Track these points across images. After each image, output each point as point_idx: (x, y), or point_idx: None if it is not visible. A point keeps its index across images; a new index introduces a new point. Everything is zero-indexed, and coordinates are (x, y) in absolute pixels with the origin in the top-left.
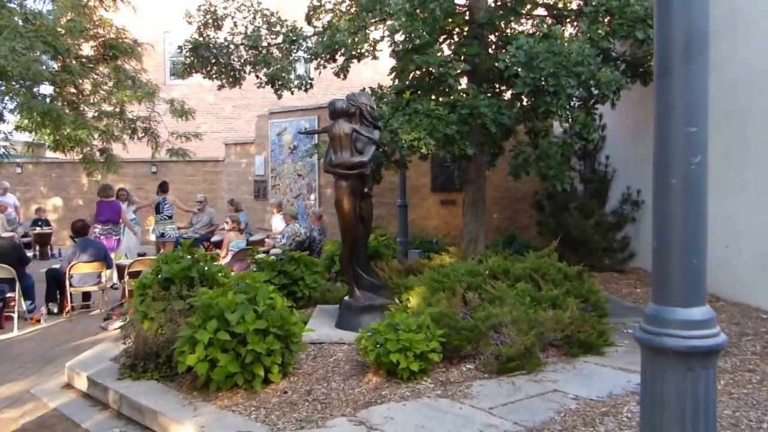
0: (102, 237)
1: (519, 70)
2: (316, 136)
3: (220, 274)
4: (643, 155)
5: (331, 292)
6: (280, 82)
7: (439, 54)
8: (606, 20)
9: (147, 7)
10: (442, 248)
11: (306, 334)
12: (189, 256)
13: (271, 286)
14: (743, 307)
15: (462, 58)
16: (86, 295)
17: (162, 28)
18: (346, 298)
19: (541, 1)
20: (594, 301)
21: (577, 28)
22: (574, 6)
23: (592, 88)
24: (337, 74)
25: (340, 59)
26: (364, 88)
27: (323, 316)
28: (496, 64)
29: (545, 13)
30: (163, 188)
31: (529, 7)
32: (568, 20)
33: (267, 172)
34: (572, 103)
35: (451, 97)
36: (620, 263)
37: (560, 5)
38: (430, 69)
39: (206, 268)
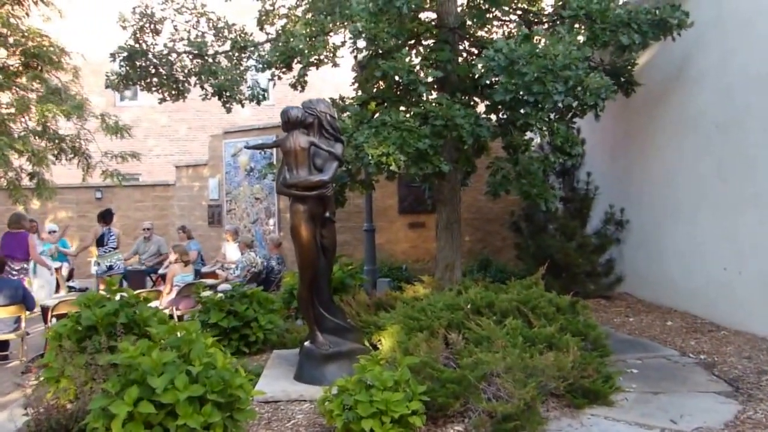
0: (16, 276)
1: (499, 76)
2: (273, 153)
3: (155, 319)
4: (625, 172)
5: (291, 333)
6: (228, 94)
7: (407, 59)
8: (584, 26)
9: (97, 26)
10: (413, 275)
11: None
12: (117, 297)
13: (210, 338)
14: (748, 336)
15: (433, 65)
16: (2, 344)
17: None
18: (306, 343)
19: (515, 6)
20: (594, 338)
21: (555, 34)
22: (551, 11)
23: (578, 96)
24: (293, 86)
25: (297, 68)
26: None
27: (280, 365)
28: (472, 70)
29: (518, 19)
30: (106, 218)
31: (504, 9)
32: (544, 26)
33: (222, 196)
34: (551, 116)
35: (423, 108)
36: (606, 288)
37: (535, 9)
38: (398, 77)
39: (137, 312)
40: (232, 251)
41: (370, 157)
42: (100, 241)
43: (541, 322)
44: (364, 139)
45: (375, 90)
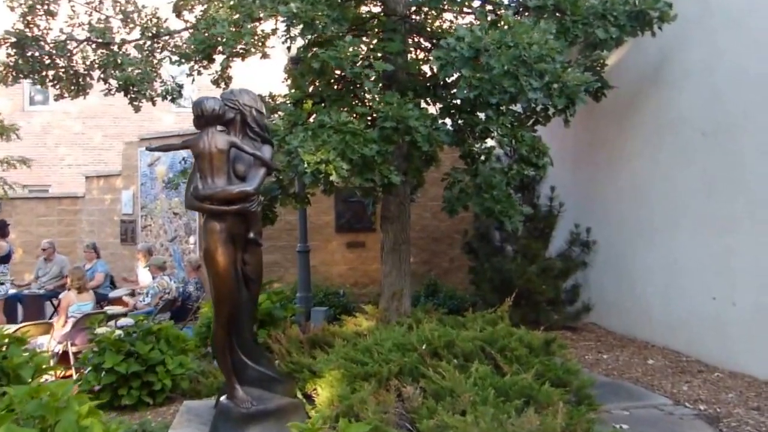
0: None
1: (460, 71)
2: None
3: (29, 366)
4: (590, 186)
5: (206, 377)
6: (136, 89)
7: (351, 49)
8: (552, 18)
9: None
10: (352, 301)
11: None
12: None
13: (87, 403)
14: (747, 380)
15: (381, 57)
16: None
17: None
18: (222, 399)
19: None
20: (577, 387)
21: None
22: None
23: (552, 95)
24: (215, 82)
25: (219, 60)
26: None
27: (190, 423)
28: (426, 66)
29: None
30: (4, 231)
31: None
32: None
33: (136, 211)
34: (512, 121)
35: (369, 107)
36: (572, 318)
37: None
38: (340, 69)
39: (6, 357)
40: (143, 274)
41: (305, 165)
42: (8, 257)
43: (513, 367)
44: (299, 143)
45: (311, 87)
